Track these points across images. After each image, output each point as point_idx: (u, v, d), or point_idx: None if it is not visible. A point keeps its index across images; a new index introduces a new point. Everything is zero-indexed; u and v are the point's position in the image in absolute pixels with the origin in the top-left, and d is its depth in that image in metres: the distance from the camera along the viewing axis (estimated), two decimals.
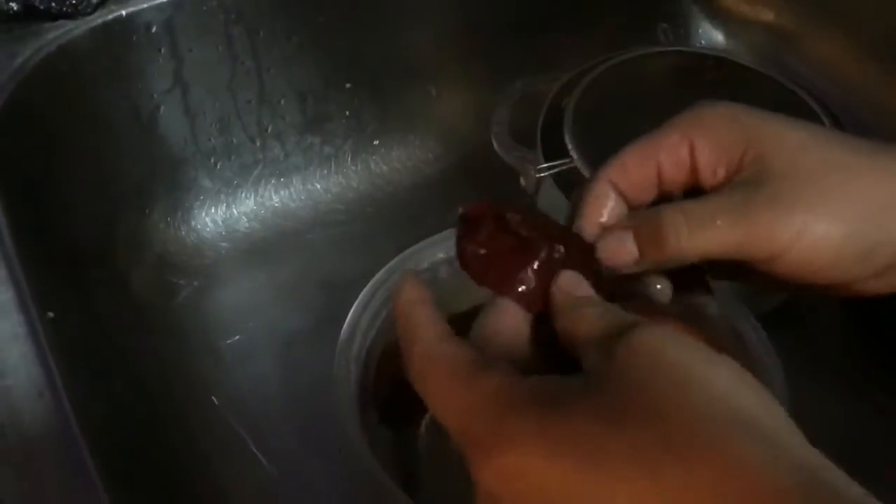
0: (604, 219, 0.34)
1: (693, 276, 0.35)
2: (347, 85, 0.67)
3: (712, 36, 0.77)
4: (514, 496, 0.25)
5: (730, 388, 0.25)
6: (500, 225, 0.32)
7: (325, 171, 0.69)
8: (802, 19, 0.73)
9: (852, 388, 0.57)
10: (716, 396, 0.24)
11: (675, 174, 0.33)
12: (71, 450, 0.35)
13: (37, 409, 0.36)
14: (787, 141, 0.32)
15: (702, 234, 0.31)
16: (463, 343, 0.30)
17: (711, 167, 0.33)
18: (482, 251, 0.33)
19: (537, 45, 0.71)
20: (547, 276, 0.32)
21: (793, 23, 0.73)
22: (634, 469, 0.23)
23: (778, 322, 0.55)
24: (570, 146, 0.59)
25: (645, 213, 0.33)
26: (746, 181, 0.32)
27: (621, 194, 0.34)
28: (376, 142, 0.71)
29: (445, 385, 0.28)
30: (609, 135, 0.64)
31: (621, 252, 0.33)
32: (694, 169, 0.33)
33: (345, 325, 0.46)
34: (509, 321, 0.31)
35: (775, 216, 0.30)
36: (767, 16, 0.75)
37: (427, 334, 0.30)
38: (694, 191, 0.34)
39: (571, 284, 0.31)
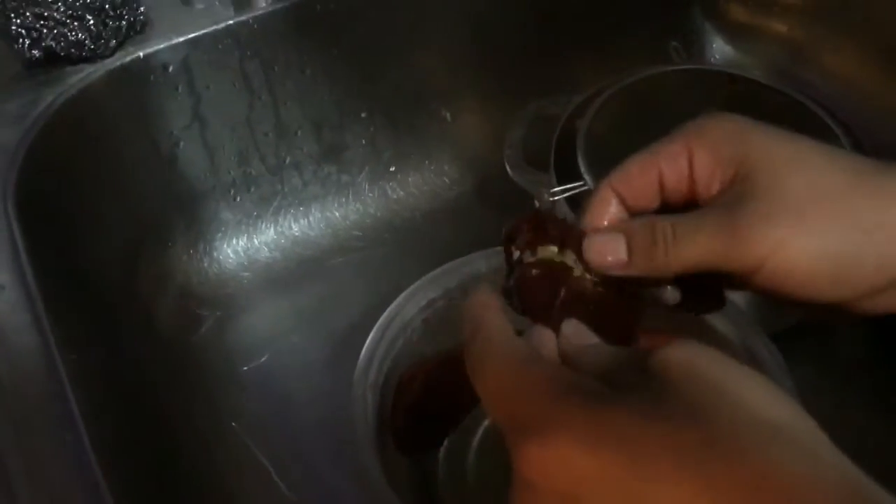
0: (604, 224, 0.35)
1: (709, 283, 0.35)
2: (362, 114, 0.68)
3: (725, 52, 0.77)
4: (552, 485, 0.26)
5: (765, 397, 0.25)
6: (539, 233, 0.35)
7: (343, 199, 0.70)
8: (816, 33, 0.72)
9: (872, 404, 0.57)
10: (752, 404, 0.25)
11: (676, 184, 0.34)
12: (92, 490, 0.36)
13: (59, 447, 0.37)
14: (778, 158, 0.32)
15: (685, 247, 0.32)
16: (519, 339, 0.31)
17: (707, 181, 0.33)
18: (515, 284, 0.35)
19: (549, 67, 0.72)
20: (576, 298, 0.34)
21: (806, 36, 0.73)
22: (678, 467, 0.24)
23: (797, 337, 0.55)
24: (583, 168, 0.59)
25: (639, 220, 0.34)
26: (734, 197, 0.32)
27: (624, 202, 0.35)
28: (392, 168, 0.71)
29: (499, 371, 0.29)
30: (622, 156, 0.64)
31: (610, 252, 0.34)
32: (692, 180, 0.34)
33: (362, 354, 0.46)
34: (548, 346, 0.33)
35: (754, 230, 0.31)
36: (780, 29, 0.74)
37: (488, 329, 0.31)
38: (692, 204, 0.34)
39: (576, 335, 0.33)
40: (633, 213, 0.35)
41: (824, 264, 0.31)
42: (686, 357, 0.27)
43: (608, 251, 0.34)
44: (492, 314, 0.32)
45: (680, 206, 0.35)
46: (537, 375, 0.28)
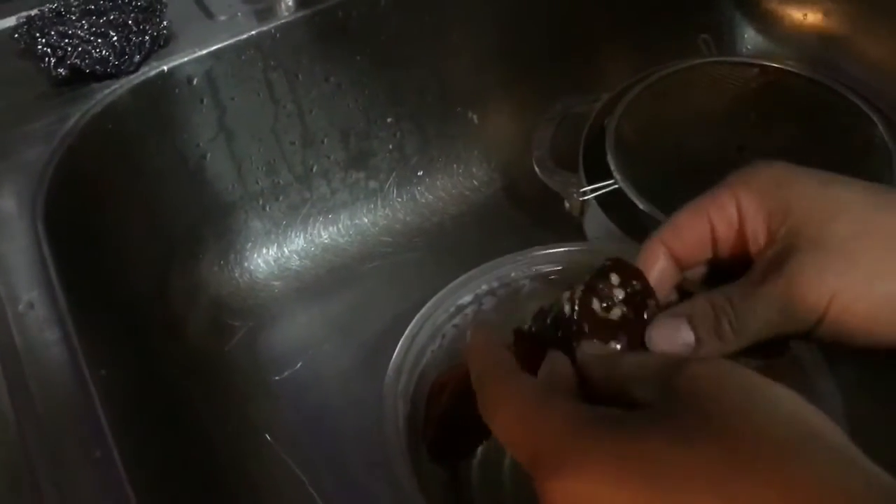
0: (653, 282, 0.34)
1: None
2: (388, 119, 0.68)
3: (757, 42, 0.75)
4: None
5: (795, 408, 0.25)
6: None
7: (372, 206, 0.70)
8: (849, 19, 0.70)
9: None
10: (782, 414, 0.25)
11: (727, 234, 0.34)
12: (123, 501, 0.36)
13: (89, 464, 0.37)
14: (823, 205, 0.31)
15: (747, 320, 0.32)
16: (530, 377, 0.31)
17: (754, 233, 0.33)
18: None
19: (576, 65, 0.71)
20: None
21: (840, 23, 0.71)
22: (708, 490, 0.24)
23: None
24: (612, 167, 0.58)
25: (697, 300, 0.33)
26: (783, 251, 0.31)
27: (675, 256, 0.35)
28: (420, 173, 0.71)
29: (516, 412, 0.29)
30: (652, 153, 0.64)
31: (678, 339, 0.33)
32: (742, 231, 0.33)
33: (391, 363, 0.46)
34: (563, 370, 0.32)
35: (807, 287, 0.30)
36: (813, 17, 0.73)
37: (497, 371, 0.31)
38: (744, 255, 0.34)
39: (594, 346, 0.32)
40: (684, 267, 0.35)
41: (884, 306, 0.30)
42: (714, 373, 0.26)
43: (676, 339, 0.33)
44: (497, 354, 0.32)
45: (730, 257, 0.34)
46: (555, 411, 0.28)
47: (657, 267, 0.34)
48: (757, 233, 0.33)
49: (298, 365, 0.62)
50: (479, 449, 0.51)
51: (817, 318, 0.30)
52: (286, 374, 0.62)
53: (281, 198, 0.67)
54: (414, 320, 0.48)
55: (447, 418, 0.44)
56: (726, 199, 0.33)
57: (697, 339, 0.32)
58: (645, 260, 0.35)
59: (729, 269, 0.35)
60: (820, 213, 0.31)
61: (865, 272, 0.30)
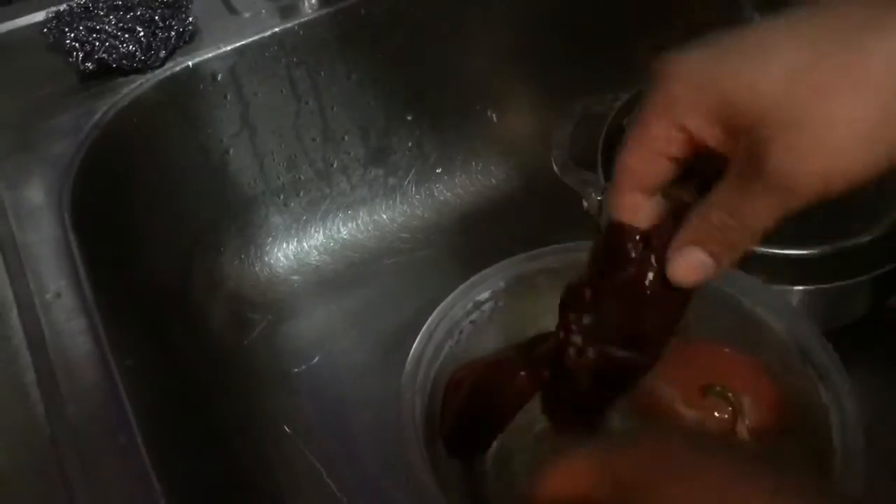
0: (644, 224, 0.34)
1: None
2: (408, 117, 0.69)
3: None
4: None
5: None
6: None
7: (391, 202, 0.71)
8: None
9: None
10: None
11: (685, 148, 0.32)
12: (148, 493, 0.37)
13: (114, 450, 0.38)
14: (766, 89, 0.29)
15: (754, 225, 0.31)
16: None
17: (713, 136, 0.31)
18: None
19: (596, 64, 0.71)
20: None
21: None
22: None
23: (852, 334, 0.54)
24: None
25: (694, 219, 0.33)
26: (753, 145, 0.30)
27: (644, 191, 0.34)
28: (439, 170, 0.72)
29: None
30: None
31: (698, 266, 0.33)
32: (700, 139, 0.31)
33: (409, 358, 0.46)
34: None
35: (798, 171, 0.29)
36: None
37: None
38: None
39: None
40: (659, 189, 0.34)
41: (858, 128, 0.29)
42: None
43: (696, 267, 0.33)
44: None
45: (701, 155, 0.33)
46: None
47: (641, 214, 0.34)
48: (716, 135, 0.31)
49: (316, 358, 0.63)
50: (495, 442, 0.52)
51: (816, 189, 0.30)
52: (304, 367, 0.62)
53: (301, 193, 0.68)
54: (432, 316, 0.48)
55: (464, 413, 0.45)
56: (665, 128, 0.32)
57: (714, 257, 0.32)
58: (626, 215, 0.34)
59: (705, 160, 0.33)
60: (774, 93, 0.29)
61: (842, 131, 0.29)
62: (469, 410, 0.45)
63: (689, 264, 0.33)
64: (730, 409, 0.44)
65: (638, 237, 0.34)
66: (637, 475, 0.30)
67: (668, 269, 0.33)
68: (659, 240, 0.34)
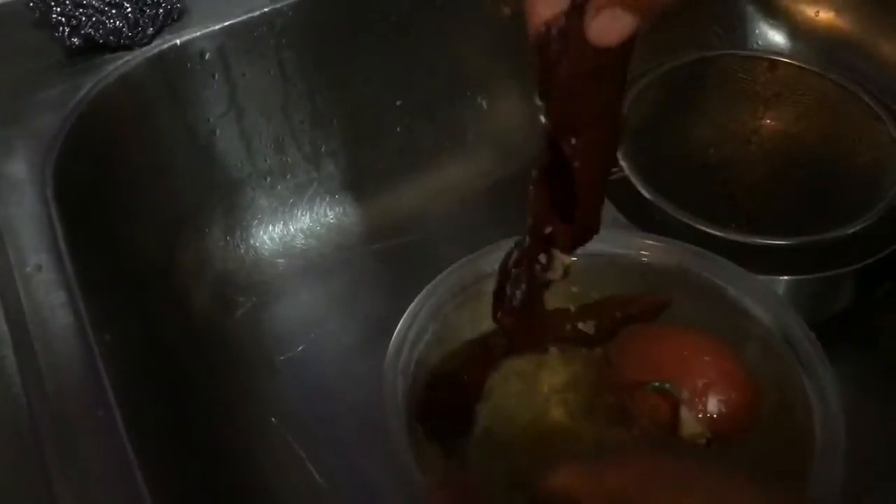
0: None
1: None
2: (398, 102, 0.68)
3: (770, 37, 0.75)
4: None
5: None
6: None
7: (379, 187, 0.70)
8: (863, 18, 0.70)
9: None
10: None
11: None
12: (124, 467, 0.37)
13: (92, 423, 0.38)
14: None
15: None
16: None
17: None
18: None
19: None
20: None
21: (854, 22, 0.71)
22: None
23: (837, 324, 0.54)
24: (620, 155, 0.59)
25: None
26: None
27: None
28: (428, 156, 0.71)
29: None
30: (660, 143, 0.64)
31: (615, 22, 0.31)
32: None
33: (392, 340, 0.46)
34: None
35: None
36: (827, 15, 0.72)
37: None
38: None
39: None
40: None
41: None
42: None
43: (614, 24, 0.31)
44: None
45: None
46: None
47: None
48: None
49: (300, 342, 0.62)
50: (477, 427, 0.51)
51: None
52: (289, 350, 0.62)
53: (289, 176, 0.67)
54: (416, 300, 0.48)
55: (445, 395, 0.45)
56: None
57: (629, 9, 0.30)
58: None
59: None
60: None
61: None
62: (446, 393, 0.45)
63: (603, 22, 0.31)
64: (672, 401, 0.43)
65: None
66: (628, 487, 0.30)
67: (587, 34, 0.31)
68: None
